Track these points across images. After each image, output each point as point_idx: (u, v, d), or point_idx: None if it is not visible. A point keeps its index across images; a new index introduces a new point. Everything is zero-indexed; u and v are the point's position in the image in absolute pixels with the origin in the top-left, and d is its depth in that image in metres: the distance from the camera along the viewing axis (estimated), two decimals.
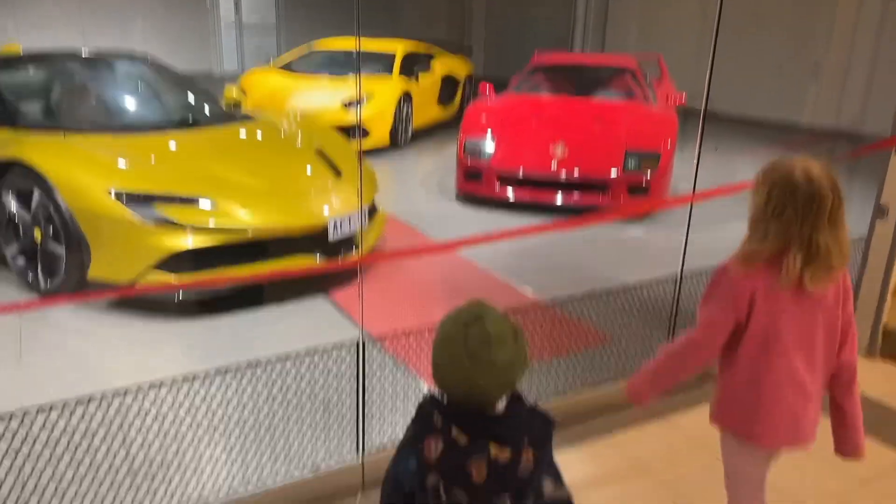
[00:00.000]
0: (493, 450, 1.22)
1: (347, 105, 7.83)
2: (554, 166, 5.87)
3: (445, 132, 9.47)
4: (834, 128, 9.74)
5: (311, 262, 4.07)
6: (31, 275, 3.98)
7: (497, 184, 6.02)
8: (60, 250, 3.80)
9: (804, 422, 1.87)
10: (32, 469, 2.07)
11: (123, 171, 3.89)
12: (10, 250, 4.06)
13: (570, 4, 13.91)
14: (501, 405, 1.31)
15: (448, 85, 10.14)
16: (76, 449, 2.14)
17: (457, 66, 10.63)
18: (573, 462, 2.75)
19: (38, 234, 3.90)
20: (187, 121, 4.92)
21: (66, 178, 3.75)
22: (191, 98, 5.32)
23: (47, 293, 3.92)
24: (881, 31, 9.71)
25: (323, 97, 7.93)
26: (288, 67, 8.90)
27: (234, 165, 4.22)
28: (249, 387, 2.39)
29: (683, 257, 3.21)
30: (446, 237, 4.85)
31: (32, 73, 4.96)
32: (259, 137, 4.93)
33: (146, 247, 3.66)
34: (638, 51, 9.65)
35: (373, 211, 4.76)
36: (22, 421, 2.01)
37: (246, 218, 3.82)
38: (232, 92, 5.74)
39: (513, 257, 4.85)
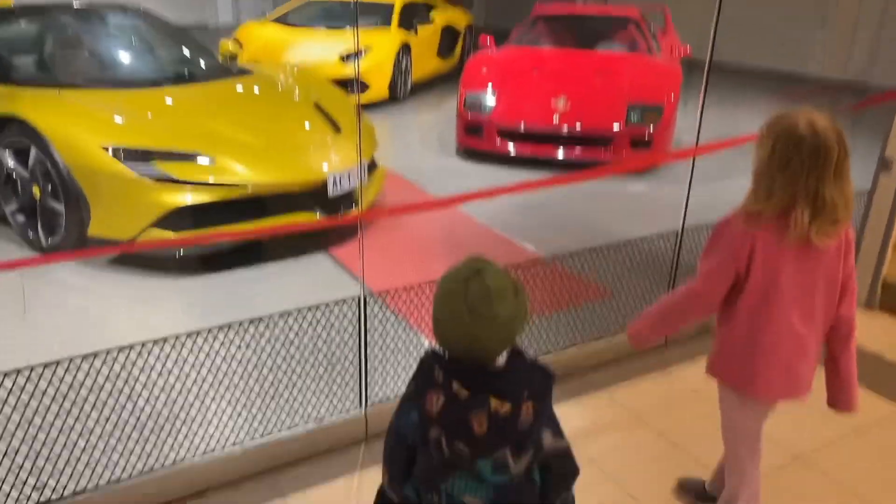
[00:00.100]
0: (494, 403, 1.23)
1: (345, 58, 7.70)
2: (555, 120, 5.81)
3: (445, 85, 9.34)
4: (841, 80, 9.60)
5: (311, 218, 4.06)
6: (31, 232, 3.98)
7: (498, 138, 5.97)
8: (59, 207, 3.79)
9: (801, 375, 1.89)
10: (42, 422, 2.11)
11: (120, 128, 3.86)
12: (10, 208, 4.05)
13: None
14: (502, 360, 1.33)
15: (448, 37, 9.97)
16: (83, 403, 2.17)
17: (456, 18, 10.43)
18: (572, 414, 2.80)
19: (36, 191, 3.88)
20: (183, 75, 4.85)
21: (62, 134, 3.72)
22: (186, 52, 5.23)
23: (48, 250, 3.92)
24: None
25: (320, 50, 7.81)
26: (284, 20, 8.73)
27: (232, 121, 4.17)
28: (253, 342, 2.42)
29: (685, 211, 3.20)
30: (446, 193, 4.83)
31: (24, 27, 4.87)
32: (256, 92, 4.87)
33: (145, 203, 3.65)
34: (643, 2, 9.45)
35: (372, 166, 4.73)
36: (29, 377, 2.04)
37: (245, 174, 3.80)
38: (227, 45, 5.64)
39: (513, 212, 4.84)
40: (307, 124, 4.46)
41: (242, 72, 5.08)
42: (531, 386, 1.28)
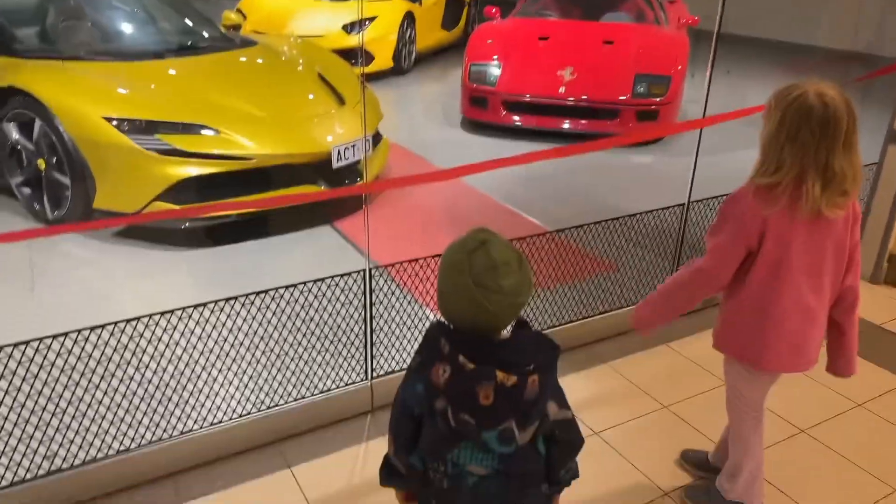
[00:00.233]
0: (500, 375, 1.24)
1: (349, 28, 7.62)
2: (561, 91, 5.75)
3: (450, 56, 9.24)
4: (850, 51, 9.46)
5: (316, 190, 4.05)
6: (36, 205, 3.99)
7: (503, 110, 5.92)
8: (65, 180, 3.79)
9: (809, 346, 1.90)
10: (51, 393, 2.13)
11: (124, 100, 3.84)
12: (15, 180, 4.05)
13: None
14: (507, 332, 1.33)
15: (453, 7, 9.83)
16: (92, 375, 2.19)
17: None
18: (576, 386, 2.82)
19: (41, 163, 3.88)
20: (186, 46, 4.81)
21: (66, 106, 3.71)
22: (189, 23, 5.18)
23: (54, 223, 3.93)
24: None
25: (323, 20, 7.72)
26: None
27: (236, 92, 4.15)
28: (259, 314, 2.43)
29: (691, 184, 3.18)
30: (451, 165, 4.81)
31: None
32: (260, 63, 4.83)
33: (150, 175, 3.64)
34: None
35: (377, 138, 4.70)
36: (38, 348, 2.06)
37: (249, 146, 3.79)
38: (230, 16, 5.57)
39: (518, 185, 4.82)
40: (311, 96, 4.43)
41: (246, 43, 5.04)
42: (537, 358, 1.28)
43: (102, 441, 2.23)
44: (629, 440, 2.54)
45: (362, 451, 2.46)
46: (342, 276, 2.51)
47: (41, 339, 2.06)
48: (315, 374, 2.58)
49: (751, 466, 2.08)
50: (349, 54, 6.79)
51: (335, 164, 4.08)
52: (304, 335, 2.59)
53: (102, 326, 2.15)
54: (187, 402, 2.37)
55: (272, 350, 2.59)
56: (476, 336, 1.29)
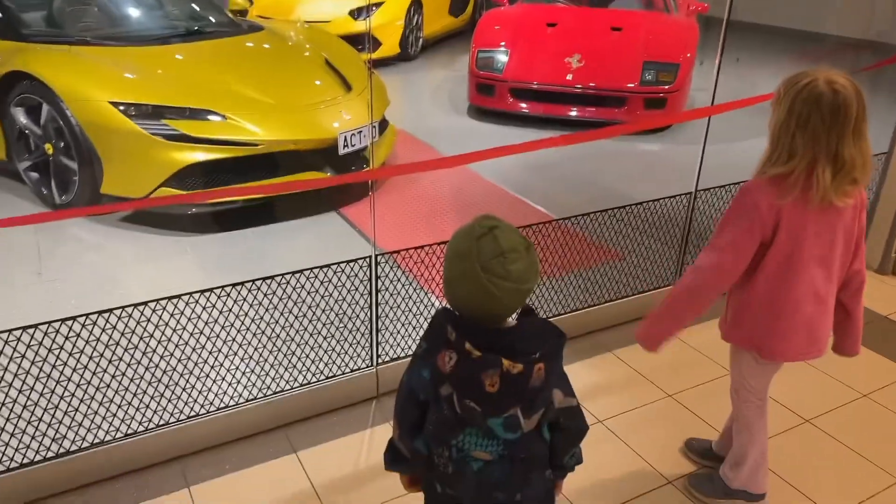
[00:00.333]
0: (506, 363, 1.24)
1: (356, 14, 7.58)
2: (569, 78, 5.72)
3: (457, 43, 9.19)
4: (861, 39, 9.36)
5: (322, 176, 4.05)
6: (44, 189, 4.00)
7: (510, 97, 5.89)
8: (72, 164, 3.80)
9: (821, 333, 1.91)
10: (59, 376, 2.15)
11: (131, 85, 3.84)
12: (23, 164, 4.06)
13: None
14: (512, 319, 1.33)
15: None
16: (100, 359, 2.21)
17: None
18: (581, 374, 2.82)
19: (49, 148, 3.89)
20: (193, 31, 4.80)
21: (73, 91, 3.71)
22: (196, 7, 5.16)
23: (61, 207, 3.95)
24: None
25: (330, 5, 7.68)
26: None
27: (243, 78, 4.14)
28: (265, 300, 2.44)
29: (699, 173, 3.17)
30: (457, 152, 4.80)
31: None
32: (267, 48, 4.82)
33: (157, 160, 3.65)
34: None
35: (383, 125, 4.69)
36: (46, 332, 2.07)
37: (256, 131, 3.79)
38: (237, 0, 5.56)
39: (525, 172, 4.81)
40: (318, 82, 4.42)
41: (253, 28, 5.02)
42: (543, 346, 1.29)
43: (110, 424, 2.25)
44: (633, 428, 2.54)
45: (367, 436, 2.47)
46: (348, 262, 2.51)
47: (49, 323, 2.08)
48: (321, 359, 2.59)
49: (755, 454, 2.09)
50: (356, 40, 6.76)
51: (341, 151, 4.08)
52: (310, 321, 2.60)
53: (110, 311, 2.16)
54: (194, 386, 2.39)
55: (278, 335, 2.60)
56: (482, 323, 1.29)
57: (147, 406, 2.34)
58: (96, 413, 2.25)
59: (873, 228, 3.64)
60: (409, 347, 2.75)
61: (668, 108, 5.67)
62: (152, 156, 3.64)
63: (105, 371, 2.24)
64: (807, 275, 1.82)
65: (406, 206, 4.30)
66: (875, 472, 2.37)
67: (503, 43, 6.01)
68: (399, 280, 2.68)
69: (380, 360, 2.64)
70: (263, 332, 2.63)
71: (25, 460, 2.14)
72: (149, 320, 2.23)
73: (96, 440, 2.22)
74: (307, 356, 2.58)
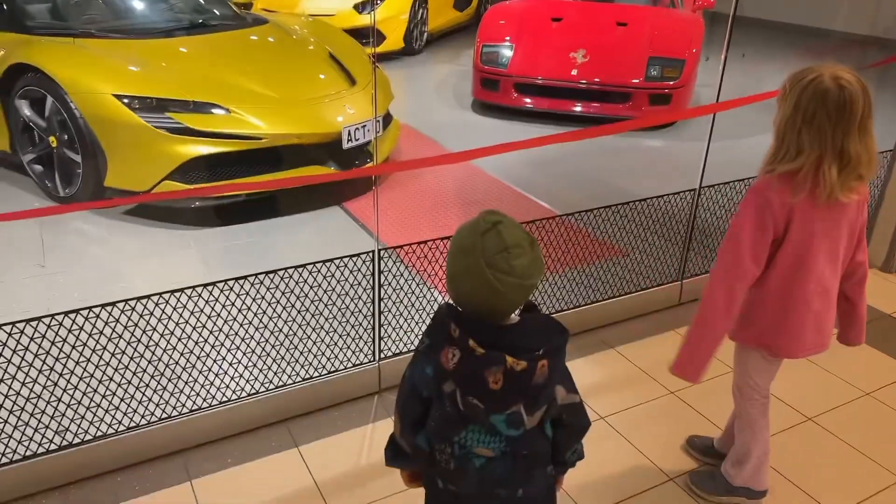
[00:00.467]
0: (510, 360, 1.24)
1: (360, 7, 7.57)
2: (574, 74, 5.70)
3: (462, 37, 9.17)
4: (868, 35, 9.32)
5: (326, 171, 4.05)
6: (48, 182, 4.01)
7: (514, 92, 5.88)
8: (76, 157, 3.80)
9: (827, 327, 1.92)
10: (62, 369, 2.16)
11: (135, 78, 3.83)
12: (27, 157, 4.07)
13: None
14: (515, 315, 1.33)
15: None
16: (103, 352, 2.21)
17: None
18: (584, 370, 2.82)
19: (53, 140, 3.89)
20: (198, 24, 4.79)
21: (77, 84, 3.71)
22: (201, 0, 5.15)
23: (65, 200, 3.95)
24: None
25: None
26: None
27: (247, 71, 4.14)
28: (268, 294, 2.44)
29: (703, 169, 3.15)
30: (461, 147, 4.80)
31: None
32: (271, 42, 4.81)
33: (161, 154, 3.65)
34: None
35: (387, 119, 4.69)
36: (49, 325, 2.08)
37: (260, 125, 3.79)
38: None
39: (529, 168, 4.80)
40: (322, 76, 4.41)
41: (257, 21, 5.01)
42: (546, 342, 1.28)
43: (113, 417, 2.26)
44: (635, 425, 2.54)
45: (369, 431, 2.47)
46: (351, 256, 2.51)
47: (53, 316, 2.08)
48: (323, 354, 2.60)
49: (758, 452, 2.09)
50: (360, 34, 6.75)
51: (345, 145, 4.07)
52: (313, 315, 2.60)
53: (113, 304, 2.16)
54: (196, 380, 2.39)
55: (281, 330, 2.60)
56: (486, 319, 1.28)
57: (149, 399, 2.35)
58: (99, 406, 2.25)
59: (877, 227, 3.63)
60: (412, 343, 2.75)
61: (673, 103, 5.65)
62: (156, 149, 3.64)
63: (108, 364, 2.25)
64: (816, 271, 1.82)
65: (409, 200, 4.29)
66: (877, 471, 2.36)
67: (508, 37, 5.99)
68: (402, 275, 2.68)
69: (382, 356, 2.64)
70: (266, 327, 2.64)
71: (28, 452, 2.14)
72: (151, 314, 2.23)
73: (99, 433, 2.23)
74: (310, 351, 2.58)
